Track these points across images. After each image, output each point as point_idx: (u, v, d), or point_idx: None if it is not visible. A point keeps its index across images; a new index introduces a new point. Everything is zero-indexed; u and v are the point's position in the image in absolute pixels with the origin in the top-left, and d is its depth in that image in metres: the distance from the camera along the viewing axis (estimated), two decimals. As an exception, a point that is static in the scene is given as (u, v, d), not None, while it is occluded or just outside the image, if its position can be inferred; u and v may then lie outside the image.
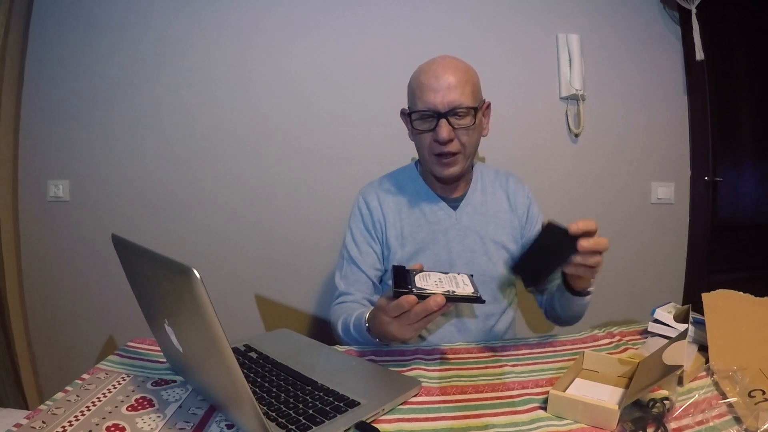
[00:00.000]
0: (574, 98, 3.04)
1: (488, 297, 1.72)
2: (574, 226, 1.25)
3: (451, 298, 1.16)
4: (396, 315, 1.18)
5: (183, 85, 2.80)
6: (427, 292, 1.15)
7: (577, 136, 3.07)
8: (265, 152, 2.86)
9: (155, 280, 0.98)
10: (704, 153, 3.19)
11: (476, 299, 1.18)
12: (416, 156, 1.75)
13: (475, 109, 1.57)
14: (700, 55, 2.98)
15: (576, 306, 1.57)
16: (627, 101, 3.11)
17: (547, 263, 1.34)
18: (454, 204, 1.76)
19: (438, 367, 1.30)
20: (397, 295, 1.15)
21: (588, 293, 1.53)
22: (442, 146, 1.58)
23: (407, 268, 1.26)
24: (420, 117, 1.60)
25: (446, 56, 1.61)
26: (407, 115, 1.65)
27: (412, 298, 1.14)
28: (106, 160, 2.80)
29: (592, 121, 3.08)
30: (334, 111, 2.88)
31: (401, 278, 1.20)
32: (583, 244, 1.26)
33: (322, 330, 2.85)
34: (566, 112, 3.06)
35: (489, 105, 1.70)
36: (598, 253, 1.31)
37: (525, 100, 3.01)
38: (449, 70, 1.55)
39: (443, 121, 1.54)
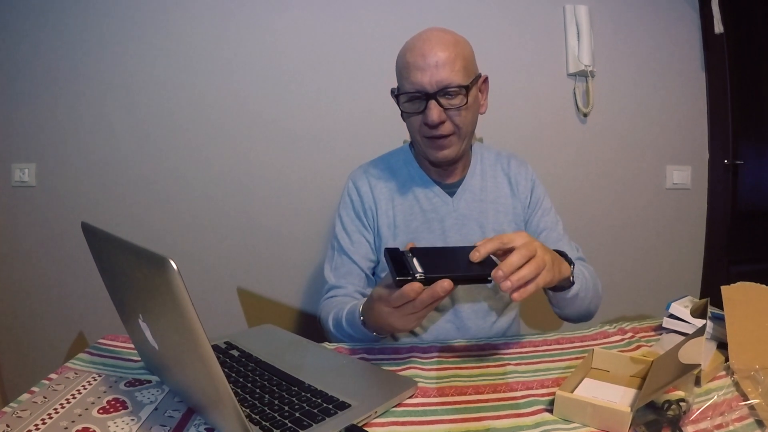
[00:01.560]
0: (583, 75, 3.03)
1: (488, 293, 1.72)
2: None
3: (459, 280, 1.14)
4: (399, 305, 1.17)
5: (159, 62, 2.78)
6: (433, 276, 1.12)
7: (585, 115, 3.06)
8: (247, 134, 2.85)
9: (128, 271, 0.97)
10: (723, 134, 3.20)
11: (483, 279, 1.15)
12: (409, 139, 1.75)
13: (468, 87, 1.55)
14: (719, 27, 2.98)
15: (565, 301, 1.52)
16: (640, 78, 3.11)
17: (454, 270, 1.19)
18: (451, 190, 1.75)
19: (435, 366, 1.30)
20: (400, 284, 1.12)
21: (565, 288, 1.47)
22: (433, 129, 1.57)
23: (401, 250, 1.22)
24: (408, 99, 1.58)
25: (434, 29, 1.58)
26: (396, 96, 1.64)
27: (417, 285, 1.11)
28: (76, 142, 2.78)
29: (602, 100, 3.07)
30: (322, 89, 2.87)
31: (399, 263, 1.15)
32: (498, 275, 1.14)
33: (310, 326, 2.87)
34: (574, 89, 3.05)
35: (486, 79, 1.68)
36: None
37: (529, 77, 3.01)
38: (437, 45, 1.52)
39: (432, 103, 1.52)
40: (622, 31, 3.07)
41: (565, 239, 1.78)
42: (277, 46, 2.82)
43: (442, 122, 1.55)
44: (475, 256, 1.16)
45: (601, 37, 3.04)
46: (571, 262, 1.42)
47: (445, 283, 1.11)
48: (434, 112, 1.52)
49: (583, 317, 1.66)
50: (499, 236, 1.20)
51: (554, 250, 1.36)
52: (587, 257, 1.78)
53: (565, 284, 1.44)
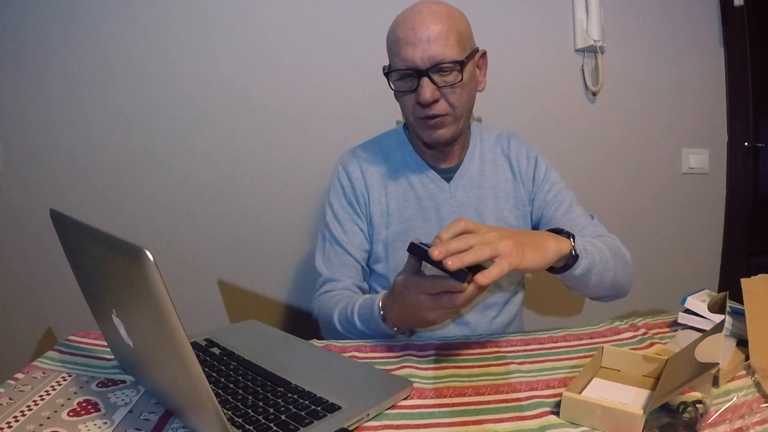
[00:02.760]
0: (592, 50, 3.02)
1: (491, 285, 1.72)
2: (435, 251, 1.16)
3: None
4: (437, 293, 1.22)
5: (134, 38, 2.74)
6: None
7: (594, 94, 3.06)
8: (229, 115, 2.82)
9: (101, 262, 0.97)
10: (744, 114, 3.20)
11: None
12: (402, 119, 1.74)
13: (463, 63, 1.55)
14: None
15: (577, 280, 1.48)
16: (653, 54, 3.11)
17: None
18: (448, 175, 1.75)
19: (432, 365, 1.30)
20: (466, 279, 1.16)
21: (571, 266, 1.43)
22: (426, 108, 1.57)
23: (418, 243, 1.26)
24: (400, 76, 1.58)
25: (426, 2, 1.57)
26: (387, 74, 1.64)
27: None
28: (44, 122, 2.76)
29: (613, 77, 3.06)
30: (309, 65, 2.84)
31: (429, 260, 1.19)
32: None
33: (297, 322, 2.87)
34: (582, 66, 3.04)
35: (484, 54, 1.68)
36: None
37: (534, 53, 2.99)
38: (429, 18, 1.52)
39: (425, 80, 1.52)
40: (635, 4, 3.06)
41: (578, 211, 1.78)
42: (259, 19, 2.80)
43: (436, 101, 1.55)
44: (435, 254, 1.16)
45: (612, 10, 3.02)
46: (569, 236, 1.41)
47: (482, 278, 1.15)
48: (426, 90, 1.52)
49: (614, 293, 1.65)
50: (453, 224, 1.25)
51: (549, 230, 1.39)
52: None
53: (570, 261, 1.42)
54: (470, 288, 1.16)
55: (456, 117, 1.61)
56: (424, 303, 1.23)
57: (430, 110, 1.57)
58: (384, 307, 1.39)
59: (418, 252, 1.23)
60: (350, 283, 1.71)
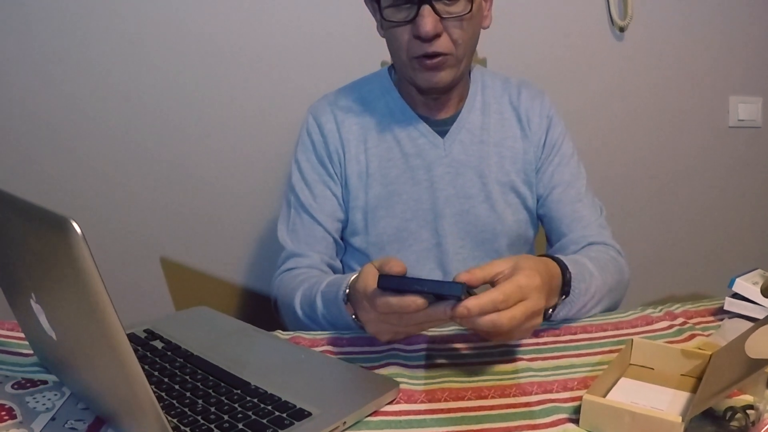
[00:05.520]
0: (620, -25, 3.02)
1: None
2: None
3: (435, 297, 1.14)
4: (385, 312, 1.16)
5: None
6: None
7: (622, 30, 3.04)
8: (175, 53, 2.78)
9: (17, 236, 0.96)
10: (804, 56, 3.19)
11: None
12: (389, 59, 1.73)
13: None
14: None
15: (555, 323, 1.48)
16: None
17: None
18: (443, 128, 1.75)
19: (423, 362, 1.30)
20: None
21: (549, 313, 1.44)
22: (425, 45, 1.55)
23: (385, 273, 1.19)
24: (392, 3, 1.57)
25: None
26: (374, 1, 1.62)
27: (420, 301, 1.10)
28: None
29: (644, 10, 3.04)
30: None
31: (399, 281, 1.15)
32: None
33: (257, 308, 2.89)
34: (608, -5, 3.04)
35: None
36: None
37: (548, -20, 2.98)
38: None
39: (426, 9, 1.50)
40: None
41: (587, 200, 1.78)
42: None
43: (438, 35, 1.54)
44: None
45: None
46: (565, 285, 1.40)
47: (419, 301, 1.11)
48: (428, 20, 1.50)
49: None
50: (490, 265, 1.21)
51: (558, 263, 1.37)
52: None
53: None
54: (428, 311, 1.12)
55: (458, 57, 1.60)
56: (368, 317, 1.23)
57: (430, 47, 1.55)
58: (350, 294, 1.36)
59: (393, 286, 1.15)
60: (319, 260, 1.70)
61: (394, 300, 1.12)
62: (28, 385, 1.18)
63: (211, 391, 1.12)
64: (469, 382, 1.21)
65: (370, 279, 1.18)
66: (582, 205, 1.76)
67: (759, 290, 1.46)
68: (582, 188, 1.79)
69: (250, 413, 1.04)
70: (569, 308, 1.44)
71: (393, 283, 1.14)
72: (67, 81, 2.75)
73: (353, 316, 1.35)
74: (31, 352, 1.29)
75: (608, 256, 1.68)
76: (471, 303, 1.09)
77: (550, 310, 1.40)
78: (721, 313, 1.51)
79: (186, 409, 1.05)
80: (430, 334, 1.44)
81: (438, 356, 1.32)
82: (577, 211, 1.74)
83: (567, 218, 1.74)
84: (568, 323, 1.48)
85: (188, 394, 1.11)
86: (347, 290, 1.37)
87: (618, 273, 1.65)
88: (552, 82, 2.77)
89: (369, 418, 1.08)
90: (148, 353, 1.28)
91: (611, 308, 1.62)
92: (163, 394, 1.11)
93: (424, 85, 1.64)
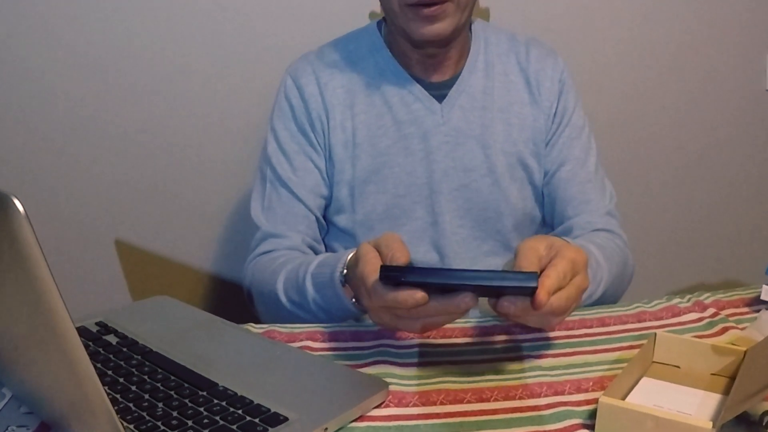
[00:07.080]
0: None
1: (496, 244, 1.71)
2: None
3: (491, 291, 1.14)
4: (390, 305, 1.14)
5: None
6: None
7: (645, -19, 3.03)
8: (141, 6, 2.77)
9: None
10: None
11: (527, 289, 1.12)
12: (378, 10, 1.72)
13: None
14: None
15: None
16: None
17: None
18: (441, 92, 1.74)
19: (416, 360, 1.30)
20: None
21: None
22: None
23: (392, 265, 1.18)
24: None
25: None
26: None
27: (421, 295, 1.09)
28: None
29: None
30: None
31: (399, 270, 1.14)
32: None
33: (226, 298, 2.89)
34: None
35: None
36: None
37: None
38: None
39: None
40: None
41: (597, 181, 1.79)
42: None
43: None
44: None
45: None
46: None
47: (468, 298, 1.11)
48: None
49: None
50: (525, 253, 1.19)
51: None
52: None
53: None
54: (435, 305, 1.12)
55: (460, 5, 1.59)
56: (374, 310, 1.21)
57: None
58: (351, 268, 1.34)
59: (395, 276, 1.13)
60: (300, 241, 1.70)
61: (403, 295, 1.10)
62: (-40, 387, 1.17)
63: (172, 392, 1.12)
64: (469, 382, 1.21)
65: (371, 268, 1.17)
66: (591, 186, 1.76)
67: (801, 278, 1.45)
68: (592, 166, 1.79)
69: (217, 418, 1.04)
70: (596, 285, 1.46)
71: (423, 277, 1.12)
72: (17, 33, 2.73)
73: (353, 300, 1.35)
74: (-36, 348, 1.28)
75: (614, 244, 1.69)
76: (543, 292, 1.06)
77: None
78: (757, 303, 1.50)
79: (144, 413, 1.06)
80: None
81: (433, 353, 1.32)
82: (586, 192, 1.74)
83: (575, 200, 1.74)
84: (571, 316, 1.47)
85: (146, 396, 1.11)
86: (344, 270, 1.36)
87: (623, 264, 1.66)
88: (564, 38, 2.77)
89: (354, 424, 1.08)
90: (100, 349, 1.29)
91: (610, 301, 1.61)
92: (117, 396, 1.11)
93: (420, 36, 1.62)
